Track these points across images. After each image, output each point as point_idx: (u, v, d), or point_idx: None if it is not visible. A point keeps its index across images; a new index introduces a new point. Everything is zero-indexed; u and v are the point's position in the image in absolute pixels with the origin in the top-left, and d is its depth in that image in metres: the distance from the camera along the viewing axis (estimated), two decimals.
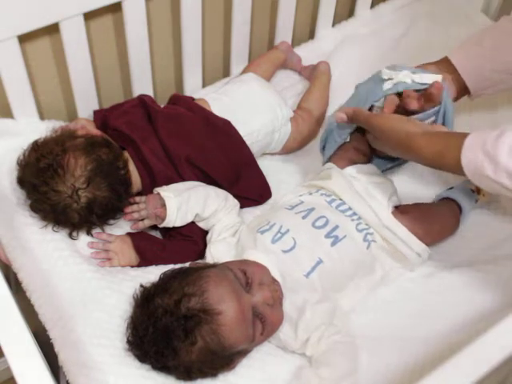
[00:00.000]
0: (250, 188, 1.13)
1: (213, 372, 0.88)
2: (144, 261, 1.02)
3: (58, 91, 1.21)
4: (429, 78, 0.99)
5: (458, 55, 1.06)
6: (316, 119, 1.25)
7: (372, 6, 1.52)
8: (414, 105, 0.98)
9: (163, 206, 0.99)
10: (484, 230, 1.12)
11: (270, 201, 1.15)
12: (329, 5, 1.43)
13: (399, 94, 1.01)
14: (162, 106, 1.17)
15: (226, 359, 0.87)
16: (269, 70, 1.32)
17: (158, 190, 1.01)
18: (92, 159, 0.98)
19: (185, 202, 0.99)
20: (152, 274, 0.97)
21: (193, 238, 1.03)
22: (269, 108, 1.18)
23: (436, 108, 0.99)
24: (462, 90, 1.07)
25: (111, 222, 1.05)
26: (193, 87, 1.32)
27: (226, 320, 0.83)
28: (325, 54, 1.40)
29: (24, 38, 1.05)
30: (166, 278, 0.90)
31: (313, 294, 0.94)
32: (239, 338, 0.85)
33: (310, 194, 1.07)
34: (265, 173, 1.15)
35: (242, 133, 1.12)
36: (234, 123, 1.12)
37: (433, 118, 1.00)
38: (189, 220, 1.01)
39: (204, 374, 0.88)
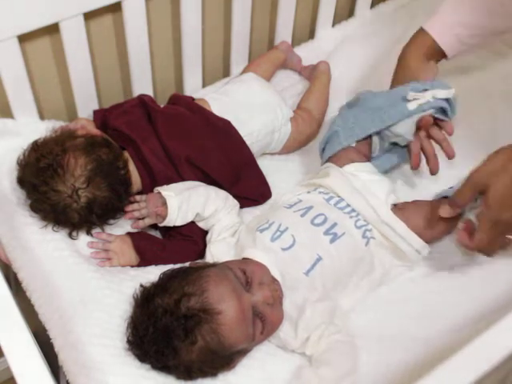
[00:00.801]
0: (249, 188, 1.13)
1: (213, 371, 0.88)
2: (144, 261, 1.02)
3: (57, 91, 1.21)
4: (444, 94, 1.02)
5: (434, 26, 1.07)
6: (316, 119, 1.25)
7: (372, 5, 1.52)
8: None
9: (164, 204, 0.99)
10: None
11: (270, 201, 1.15)
12: (329, 5, 1.43)
13: None
14: (162, 105, 1.17)
15: (226, 359, 0.87)
16: (269, 70, 1.32)
17: (158, 189, 1.02)
18: (92, 159, 0.99)
19: (185, 201, 0.99)
20: (152, 274, 0.97)
21: (193, 237, 1.03)
22: (269, 108, 1.18)
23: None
24: (439, 56, 1.09)
25: (111, 221, 1.05)
26: (193, 87, 1.32)
27: (226, 319, 0.83)
28: (325, 53, 1.40)
29: (24, 38, 1.05)
30: (165, 278, 0.90)
31: (313, 293, 0.94)
32: (239, 338, 0.85)
33: (308, 192, 1.07)
34: (265, 173, 1.15)
35: (242, 133, 1.12)
36: (233, 123, 1.12)
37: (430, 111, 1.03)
38: (189, 219, 1.01)
39: (204, 374, 0.87)
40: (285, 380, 0.90)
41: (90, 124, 1.14)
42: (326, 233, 0.98)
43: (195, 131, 1.10)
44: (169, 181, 1.05)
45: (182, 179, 1.06)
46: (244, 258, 0.95)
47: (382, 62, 1.40)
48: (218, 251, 0.99)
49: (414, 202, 1.09)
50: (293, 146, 1.22)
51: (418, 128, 1.05)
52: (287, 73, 1.39)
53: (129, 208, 1.02)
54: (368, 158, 1.12)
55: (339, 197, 1.04)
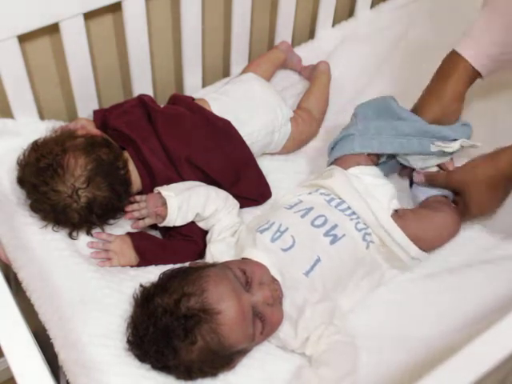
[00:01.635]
0: (249, 188, 1.13)
1: (213, 371, 0.88)
2: (144, 261, 1.02)
3: (57, 91, 1.21)
4: (470, 144, 1.06)
5: (467, 47, 1.06)
6: (316, 119, 1.25)
7: (372, 5, 1.52)
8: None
9: (164, 204, 0.99)
10: (484, 229, 1.12)
11: (270, 201, 1.15)
12: (329, 5, 1.43)
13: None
14: (162, 105, 1.17)
15: (226, 359, 0.87)
16: (269, 70, 1.32)
17: (158, 189, 1.01)
18: (92, 159, 0.99)
19: (186, 201, 0.99)
20: (152, 274, 0.96)
21: (193, 237, 1.03)
22: (269, 108, 1.18)
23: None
24: (475, 76, 1.07)
25: (111, 221, 1.05)
26: (193, 87, 1.32)
27: (225, 319, 0.83)
28: (325, 54, 1.41)
29: (24, 38, 1.05)
30: (165, 278, 0.90)
31: (313, 294, 0.94)
32: (239, 338, 0.85)
33: (310, 193, 1.07)
34: (265, 173, 1.15)
35: (241, 133, 1.12)
36: (234, 123, 1.12)
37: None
38: (189, 219, 1.01)
39: (204, 374, 0.87)
40: (285, 380, 0.90)
41: (90, 124, 1.14)
42: (327, 234, 0.98)
43: (195, 131, 1.10)
44: (169, 181, 1.05)
45: (182, 179, 1.06)
46: (244, 258, 0.95)
47: (382, 61, 1.40)
48: (217, 251, 0.99)
49: (413, 210, 1.09)
50: (293, 145, 1.22)
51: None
52: (287, 73, 1.39)
53: (129, 208, 1.02)
54: (375, 162, 1.12)
55: (340, 199, 1.04)
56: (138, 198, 1.03)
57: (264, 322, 0.88)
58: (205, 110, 1.13)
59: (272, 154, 1.23)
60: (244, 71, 1.31)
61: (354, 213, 1.02)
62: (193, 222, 1.03)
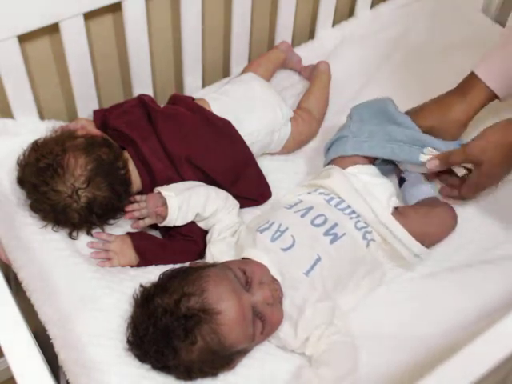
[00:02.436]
0: (249, 188, 1.13)
1: (213, 371, 0.88)
2: (144, 261, 1.02)
3: (57, 91, 1.21)
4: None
5: (483, 67, 1.06)
6: (316, 119, 1.25)
7: (372, 5, 1.52)
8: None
9: (164, 204, 0.99)
10: (483, 229, 1.12)
11: (270, 201, 1.15)
12: (329, 5, 1.43)
13: None
14: (162, 106, 1.17)
15: (226, 359, 0.87)
16: (269, 70, 1.32)
17: (158, 189, 1.01)
18: (92, 159, 0.99)
19: (186, 201, 0.99)
20: (152, 274, 0.97)
21: (193, 237, 1.03)
22: (269, 108, 1.18)
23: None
24: (492, 97, 1.07)
25: (111, 221, 1.05)
26: (193, 87, 1.32)
27: (225, 319, 0.83)
28: (325, 54, 1.41)
29: (24, 38, 1.05)
30: (165, 278, 0.90)
31: (313, 293, 0.94)
32: (239, 338, 0.85)
33: (309, 193, 1.07)
34: (265, 173, 1.15)
35: (241, 133, 1.12)
36: (233, 123, 1.12)
37: None
38: (189, 219, 1.01)
39: (204, 374, 0.88)
40: (285, 380, 0.90)
41: (90, 124, 1.14)
42: (326, 233, 0.98)
43: (195, 131, 1.10)
44: (169, 181, 1.05)
45: (182, 179, 1.06)
46: (244, 258, 0.95)
47: (382, 61, 1.40)
48: (217, 251, 0.99)
49: (414, 207, 1.09)
50: (293, 145, 1.22)
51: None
52: (287, 73, 1.39)
53: (129, 208, 1.02)
54: (372, 162, 1.12)
55: (340, 198, 1.04)
56: (138, 197, 1.03)
57: (264, 321, 0.88)
58: (205, 110, 1.13)
59: (272, 154, 1.23)
60: (244, 71, 1.31)
61: (353, 212, 1.02)
62: (193, 222, 1.03)
